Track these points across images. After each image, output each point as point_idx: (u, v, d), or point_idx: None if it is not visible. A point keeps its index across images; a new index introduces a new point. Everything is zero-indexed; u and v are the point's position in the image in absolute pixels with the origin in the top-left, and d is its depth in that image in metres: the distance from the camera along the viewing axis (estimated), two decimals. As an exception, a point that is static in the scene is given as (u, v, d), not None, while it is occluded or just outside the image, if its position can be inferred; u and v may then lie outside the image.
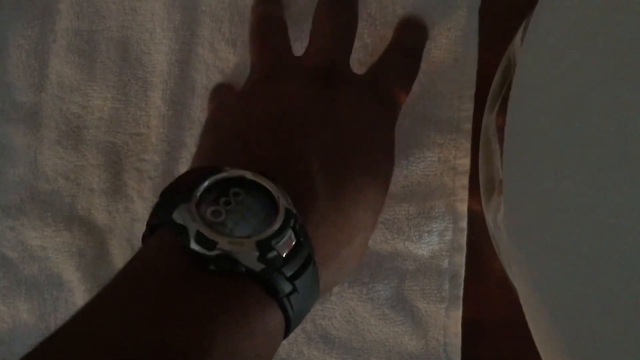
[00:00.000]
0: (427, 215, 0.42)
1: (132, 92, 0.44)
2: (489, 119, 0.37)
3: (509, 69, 0.36)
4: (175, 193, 0.30)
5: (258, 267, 0.28)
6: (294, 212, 0.30)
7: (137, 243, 0.44)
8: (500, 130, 0.35)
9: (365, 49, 0.44)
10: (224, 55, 0.44)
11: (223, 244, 0.28)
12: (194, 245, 0.28)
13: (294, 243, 0.30)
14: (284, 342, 0.43)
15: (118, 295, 0.28)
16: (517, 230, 0.27)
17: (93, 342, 0.26)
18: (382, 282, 0.42)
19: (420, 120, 0.43)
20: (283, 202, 0.30)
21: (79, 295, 0.44)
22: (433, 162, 0.43)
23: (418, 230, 0.42)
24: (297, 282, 0.30)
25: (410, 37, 0.42)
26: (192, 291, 0.28)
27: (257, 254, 0.28)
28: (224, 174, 0.30)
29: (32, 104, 0.45)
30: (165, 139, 0.44)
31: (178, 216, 0.29)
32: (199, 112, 0.44)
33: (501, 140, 0.34)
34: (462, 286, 0.42)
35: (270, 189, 0.30)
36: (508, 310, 0.42)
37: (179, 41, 0.44)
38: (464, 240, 0.42)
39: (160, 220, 0.30)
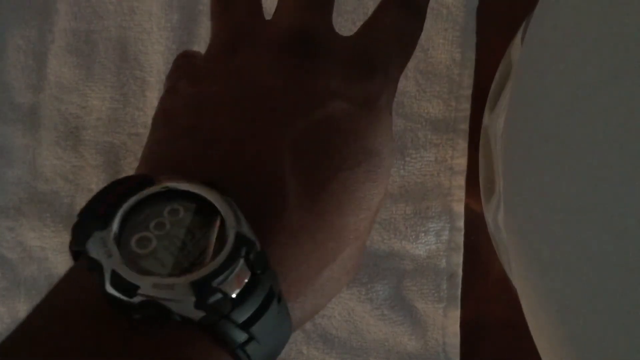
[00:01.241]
0: (423, 215, 0.43)
1: (130, 92, 0.44)
2: (489, 119, 0.37)
3: (509, 68, 0.36)
4: (91, 215, 0.23)
5: (196, 315, 0.22)
6: (248, 236, 0.23)
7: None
8: (500, 130, 0.35)
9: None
10: None
11: (146, 288, 0.21)
12: (109, 289, 0.21)
13: (247, 278, 0.22)
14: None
15: (23, 351, 0.21)
16: (517, 230, 0.28)
17: None
18: (381, 282, 0.42)
19: (417, 120, 0.43)
20: (232, 225, 0.23)
21: (77, 296, 0.44)
22: (430, 162, 0.43)
23: (415, 230, 0.42)
24: (253, 329, 0.23)
25: None
26: (112, 347, 0.21)
27: (193, 299, 0.21)
28: (154, 188, 0.23)
29: (30, 104, 0.44)
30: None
31: (92, 248, 0.22)
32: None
33: (501, 140, 0.34)
34: (460, 286, 0.42)
35: (218, 206, 0.23)
36: (508, 310, 0.42)
37: (176, 41, 0.44)
38: (461, 240, 0.42)
39: (78, 247, 0.22)
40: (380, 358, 0.43)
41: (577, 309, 0.24)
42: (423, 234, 0.42)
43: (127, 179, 0.24)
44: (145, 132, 0.44)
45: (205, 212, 0.23)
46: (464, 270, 0.42)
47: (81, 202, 0.44)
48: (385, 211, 0.43)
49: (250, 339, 0.23)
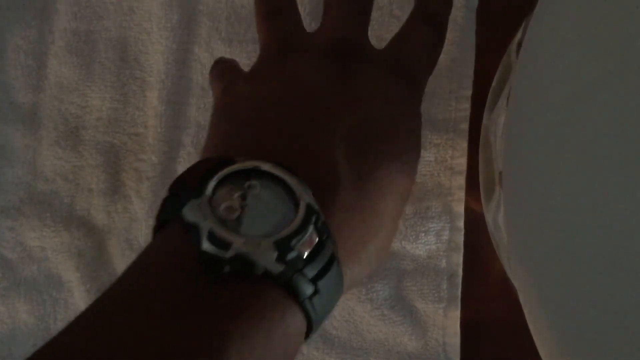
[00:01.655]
0: (423, 215, 0.43)
1: (130, 92, 0.44)
2: (489, 119, 0.37)
3: (508, 68, 0.36)
4: (184, 187, 0.27)
5: (277, 269, 0.26)
6: (316, 208, 0.28)
7: (136, 243, 0.44)
8: (500, 129, 0.35)
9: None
10: (219, 54, 0.44)
11: (238, 244, 0.25)
12: (206, 246, 0.25)
13: (315, 242, 0.27)
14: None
15: (123, 302, 0.26)
16: (517, 230, 0.27)
17: (93, 355, 0.24)
18: (381, 282, 0.42)
19: (417, 120, 0.43)
20: (304, 197, 0.27)
21: (78, 296, 0.44)
22: (430, 162, 0.43)
23: (415, 230, 0.42)
24: (319, 283, 0.27)
25: (434, 6, 0.37)
26: (204, 297, 0.26)
27: (275, 254, 0.26)
28: (238, 165, 0.28)
29: (30, 104, 0.44)
30: (163, 138, 0.44)
31: (188, 213, 0.26)
32: (195, 111, 0.44)
33: (501, 140, 0.34)
34: (460, 286, 0.42)
35: (290, 182, 0.28)
36: (508, 310, 0.42)
37: (176, 41, 0.44)
38: (461, 240, 0.42)
39: (168, 216, 0.28)
40: (380, 358, 0.43)
41: (577, 308, 0.24)
42: (423, 234, 0.42)
43: (211, 159, 0.30)
44: (145, 132, 0.44)
45: (278, 188, 0.28)
46: (464, 270, 0.42)
47: (81, 201, 0.44)
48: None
49: (316, 292, 0.27)
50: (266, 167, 0.28)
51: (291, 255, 0.26)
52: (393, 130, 0.33)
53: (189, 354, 0.24)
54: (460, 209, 0.42)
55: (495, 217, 0.35)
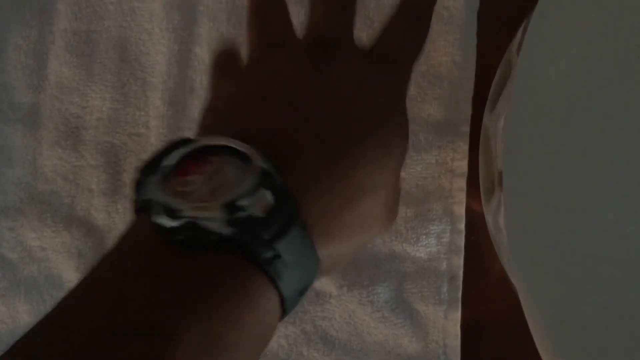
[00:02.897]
0: (424, 218, 0.42)
1: (131, 93, 0.44)
2: (489, 120, 0.37)
3: (508, 69, 0.36)
4: (144, 167, 0.28)
5: (228, 230, 0.26)
6: (271, 171, 0.28)
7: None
8: (500, 130, 0.35)
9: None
10: None
11: (186, 210, 0.26)
12: (158, 218, 0.26)
13: (271, 203, 0.27)
14: (284, 342, 0.43)
15: (87, 285, 0.27)
16: (517, 230, 0.27)
17: (57, 336, 0.25)
18: (382, 285, 0.42)
19: (418, 123, 0.43)
20: (257, 162, 0.28)
21: (78, 296, 0.44)
22: (430, 165, 0.43)
23: (415, 233, 0.42)
24: (279, 246, 0.27)
25: (416, 1, 0.38)
26: (160, 268, 0.26)
27: (225, 217, 0.26)
28: (195, 143, 0.29)
29: (30, 104, 0.45)
30: (165, 139, 0.44)
31: (144, 190, 0.27)
32: (197, 112, 0.44)
33: (501, 141, 0.34)
34: (461, 288, 0.42)
35: (243, 149, 0.28)
36: (508, 310, 0.42)
37: (177, 41, 0.44)
38: (461, 242, 0.42)
39: (135, 203, 0.28)
40: (380, 360, 0.43)
41: (577, 308, 0.24)
42: (424, 237, 0.42)
43: (172, 140, 0.30)
44: (146, 132, 0.44)
45: (236, 161, 0.28)
46: (464, 270, 0.42)
47: (81, 202, 0.44)
48: (386, 213, 0.43)
49: (277, 256, 0.27)
50: (222, 141, 0.28)
51: (242, 215, 0.26)
52: (368, 106, 0.33)
53: (142, 327, 0.24)
54: (461, 211, 0.42)
55: (496, 217, 0.35)
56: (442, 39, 0.43)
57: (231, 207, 0.26)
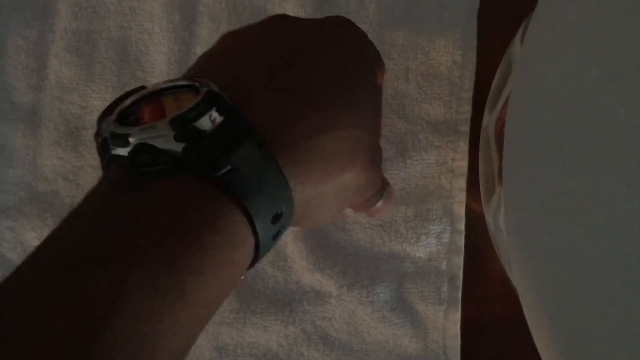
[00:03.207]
0: (424, 218, 0.43)
1: (131, 93, 0.44)
2: (489, 120, 0.37)
3: (509, 68, 0.36)
4: (101, 114, 0.29)
5: (177, 147, 0.26)
6: (217, 91, 0.28)
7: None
8: (500, 130, 0.35)
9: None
10: None
11: (135, 133, 0.26)
12: (114, 150, 0.26)
13: (220, 119, 0.27)
14: (284, 342, 0.43)
15: (66, 217, 0.26)
16: (517, 230, 0.27)
17: (18, 272, 0.25)
18: (381, 285, 0.42)
19: (418, 123, 0.43)
20: (204, 86, 0.28)
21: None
22: (431, 165, 0.43)
23: (415, 233, 0.42)
24: (234, 158, 0.26)
25: None
26: (116, 198, 0.26)
27: (173, 132, 0.26)
28: (145, 90, 0.29)
29: (31, 104, 0.45)
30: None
31: (102, 130, 0.27)
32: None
33: (501, 141, 0.34)
34: (461, 288, 0.42)
35: (187, 82, 0.28)
36: (508, 310, 0.42)
37: (177, 41, 0.44)
38: (461, 242, 0.42)
39: (98, 138, 0.29)
40: (380, 360, 0.43)
41: (577, 309, 0.24)
42: (424, 237, 0.42)
43: (132, 89, 0.30)
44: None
45: (188, 95, 0.28)
46: (464, 270, 0.42)
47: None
48: (386, 214, 0.43)
49: (234, 169, 0.26)
50: (171, 83, 0.28)
51: (190, 129, 0.26)
52: (326, 45, 0.33)
53: (97, 257, 0.24)
54: (461, 211, 0.42)
55: (496, 217, 0.35)
56: (442, 39, 0.43)
57: (178, 121, 0.26)
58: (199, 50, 0.44)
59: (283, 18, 0.34)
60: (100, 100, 0.44)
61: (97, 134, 0.28)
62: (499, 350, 0.43)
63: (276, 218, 0.28)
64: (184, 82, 0.28)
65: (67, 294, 0.23)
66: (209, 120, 0.26)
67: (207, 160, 0.26)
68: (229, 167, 0.26)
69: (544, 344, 0.26)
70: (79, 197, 0.44)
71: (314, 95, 0.31)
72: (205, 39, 0.44)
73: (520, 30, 0.35)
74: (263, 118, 0.29)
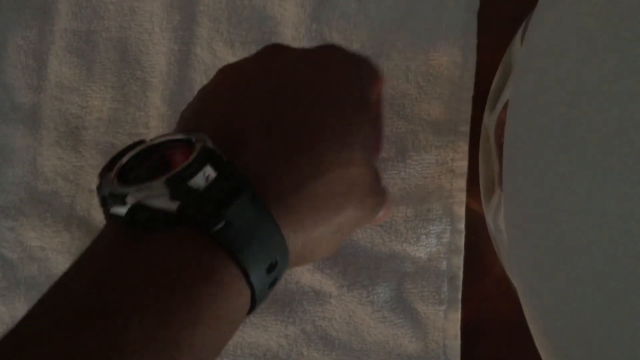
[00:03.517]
0: (424, 218, 0.42)
1: (131, 93, 0.44)
2: (489, 120, 0.37)
3: (508, 69, 0.36)
4: (101, 170, 0.29)
5: (173, 205, 0.27)
6: (212, 147, 0.28)
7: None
8: (500, 130, 0.35)
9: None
10: (222, 55, 0.44)
11: (132, 193, 0.27)
12: (113, 209, 0.27)
13: (214, 176, 0.27)
14: (284, 342, 0.42)
15: (70, 269, 0.27)
16: (517, 231, 0.27)
17: (23, 324, 0.25)
18: (382, 285, 0.42)
19: (418, 123, 0.43)
20: (199, 142, 0.28)
21: (77, 296, 0.44)
22: (431, 164, 0.43)
23: (415, 233, 0.42)
24: (228, 214, 0.27)
25: None
26: (119, 255, 0.27)
27: (168, 191, 0.27)
28: (144, 145, 0.30)
29: (31, 104, 0.45)
30: (164, 139, 0.44)
31: (102, 188, 0.28)
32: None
33: (501, 141, 0.34)
34: (461, 288, 0.42)
35: (189, 138, 0.29)
36: (508, 310, 0.42)
37: (177, 41, 0.44)
38: (461, 242, 0.42)
39: (99, 196, 0.29)
40: (380, 360, 0.43)
41: (577, 308, 0.24)
42: (424, 236, 0.42)
43: (130, 144, 0.31)
44: (145, 132, 0.44)
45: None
46: (464, 270, 0.42)
47: (81, 202, 0.44)
48: (386, 213, 0.43)
49: (228, 224, 0.27)
50: (166, 137, 0.30)
51: (183, 187, 0.27)
52: (324, 90, 0.33)
53: (100, 310, 0.25)
54: (461, 211, 0.42)
55: (496, 217, 0.35)
56: (442, 39, 0.43)
57: (173, 181, 0.27)
58: (199, 50, 0.44)
59: (278, 52, 0.35)
60: (100, 100, 0.44)
61: (99, 189, 0.29)
62: (499, 350, 0.43)
63: (271, 267, 0.29)
64: (181, 137, 0.29)
65: (68, 347, 0.24)
66: (203, 177, 0.27)
67: (201, 217, 0.27)
68: (223, 223, 0.27)
69: (544, 344, 0.26)
70: (78, 197, 0.44)
71: (307, 141, 0.31)
72: (205, 39, 0.44)
73: (520, 30, 0.35)
74: (256, 168, 0.30)
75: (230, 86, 0.34)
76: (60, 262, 0.44)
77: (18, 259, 0.44)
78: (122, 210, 0.27)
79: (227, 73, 0.35)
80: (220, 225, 0.27)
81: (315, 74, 0.34)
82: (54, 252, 0.44)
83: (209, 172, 0.27)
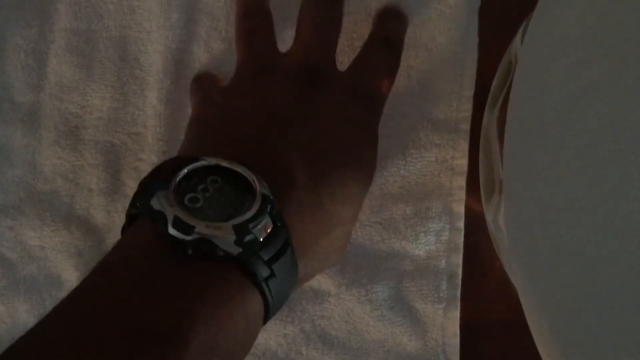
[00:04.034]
0: (424, 216, 0.42)
1: (130, 92, 0.44)
2: (489, 119, 0.37)
3: (509, 68, 0.36)
4: (153, 181, 0.31)
5: (236, 250, 0.29)
6: (271, 197, 0.31)
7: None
8: (501, 130, 0.35)
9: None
10: (218, 54, 0.44)
11: (200, 228, 0.28)
12: (171, 230, 0.28)
13: (270, 228, 0.30)
14: (283, 342, 0.43)
15: (96, 286, 0.29)
16: (517, 230, 0.27)
17: (71, 331, 0.26)
18: (381, 283, 0.42)
19: (418, 120, 0.43)
20: (259, 188, 0.31)
21: (77, 295, 0.44)
22: (430, 162, 0.43)
23: (415, 231, 0.42)
24: (274, 266, 0.30)
25: (390, 28, 0.42)
26: (170, 276, 0.28)
27: (234, 237, 0.29)
28: (201, 162, 0.31)
29: (30, 104, 0.44)
30: (162, 138, 0.43)
31: (156, 203, 0.29)
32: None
33: (501, 140, 0.34)
34: (460, 286, 0.42)
35: (246, 175, 0.31)
36: (508, 310, 0.42)
37: (175, 40, 0.44)
38: (461, 240, 0.42)
39: (138, 209, 0.31)
40: (379, 358, 0.43)
41: (577, 309, 0.24)
42: (423, 235, 0.42)
43: (179, 157, 0.34)
44: (145, 131, 0.44)
45: (237, 182, 0.31)
46: (464, 270, 0.42)
47: (81, 201, 0.44)
48: (385, 211, 0.43)
49: (272, 275, 0.30)
50: (225, 163, 0.31)
51: (248, 238, 0.29)
52: (348, 143, 0.37)
53: (158, 334, 0.26)
54: (460, 209, 0.42)
55: (496, 217, 0.35)
56: (443, 37, 0.43)
57: (242, 229, 0.29)
58: (196, 48, 0.44)
59: (313, 76, 0.38)
60: (99, 100, 0.44)
61: (142, 193, 0.30)
62: (499, 350, 0.43)
63: (284, 301, 0.33)
64: (238, 170, 0.31)
65: None
66: (262, 228, 0.30)
67: (256, 267, 0.30)
68: (269, 273, 0.30)
69: (544, 344, 0.26)
70: (78, 196, 0.44)
71: (332, 193, 0.35)
72: (202, 38, 0.44)
73: (520, 30, 0.35)
74: (290, 219, 0.32)
75: (259, 107, 0.37)
76: (59, 261, 0.44)
77: (17, 258, 0.44)
78: (182, 236, 0.28)
79: (249, 89, 0.38)
80: (265, 275, 0.30)
81: (342, 119, 0.37)
82: (54, 252, 0.44)
83: (267, 222, 0.30)
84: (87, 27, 0.44)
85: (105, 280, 0.29)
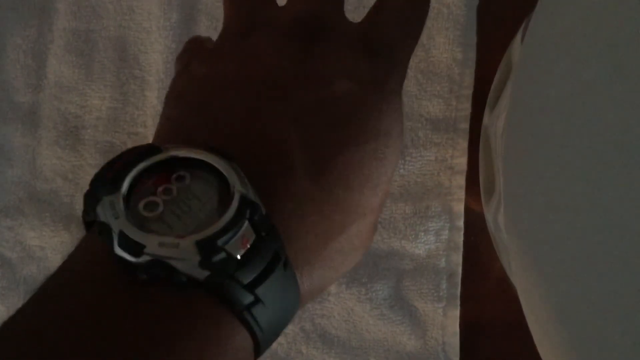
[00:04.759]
0: (423, 215, 0.43)
1: (129, 92, 0.44)
2: (489, 119, 0.37)
3: (509, 68, 0.36)
4: (100, 182, 0.23)
5: (201, 274, 0.22)
6: (252, 199, 0.23)
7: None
8: (500, 129, 0.35)
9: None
10: None
11: (152, 247, 0.21)
12: (117, 250, 0.22)
13: (252, 240, 0.23)
14: (283, 341, 0.43)
15: (37, 316, 0.22)
16: (517, 230, 0.27)
17: None
18: (380, 282, 0.42)
19: (417, 119, 0.43)
20: (237, 188, 0.23)
21: (77, 296, 0.44)
22: (430, 162, 0.43)
23: (414, 230, 0.42)
24: (259, 291, 0.23)
25: None
26: (121, 308, 0.22)
27: (198, 257, 0.22)
28: (160, 156, 0.24)
29: (30, 104, 0.44)
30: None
31: (101, 212, 0.22)
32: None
33: (501, 140, 0.34)
34: (460, 285, 0.42)
35: (221, 169, 0.24)
36: (508, 310, 0.42)
37: (175, 39, 0.44)
38: (460, 239, 0.42)
39: (88, 216, 0.23)
40: (379, 358, 0.43)
41: (577, 308, 0.24)
42: (423, 234, 0.42)
43: (135, 148, 0.25)
44: (144, 131, 0.44)
45: (212, 179, 0.24)
46: (464, 270, 0.42)
47: (81, 201, 0.44)
48: (385, 210, 0.43)
49: (257, 301, 0.23)
50: (185, 153, 0.24)
51: (218, 257, 0.22)
52: (362, 111, 0.28)
53: None
54: (460, 208, 0.42)
55: (495, 216, 0.35)
56: (442, 36, 0.43)
57: (208, 246, 0.22)
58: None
59: (315, 31, 0.30)
60: (99, 100, 0.44)
61: (90, 196, 0.23)
62: (499, 350, 0.43)
63: (282, 329, 0.26)
64: (208, 160, 0.24)
65: None
66: (239, 243, 0.22)
67: (232, 294, 0.22)
68: (252, 299, 0.23)
69: (544, 344, 0.26)
70: (78, 196, 0.44)
71: (346, 180, 0.27)
72: (203, 37, 0.44)
73: (520, 30, 0.35)
74: (288, 221, 0.25)
75: (247, 75, 0.28)
76: (59, 261, 0.44)
77: (17, 258, 0.44)
78: (130, 258, 0.22)
79: (234, 54, 0.29)
80: (248, 302, 0.23)
81: (353, 85, 0.28)
82: (53, 252, 0.44)
83: (247, 234, 0.23)
84: (87, 27, 0.45)
85: (42, 311, 0.22)
